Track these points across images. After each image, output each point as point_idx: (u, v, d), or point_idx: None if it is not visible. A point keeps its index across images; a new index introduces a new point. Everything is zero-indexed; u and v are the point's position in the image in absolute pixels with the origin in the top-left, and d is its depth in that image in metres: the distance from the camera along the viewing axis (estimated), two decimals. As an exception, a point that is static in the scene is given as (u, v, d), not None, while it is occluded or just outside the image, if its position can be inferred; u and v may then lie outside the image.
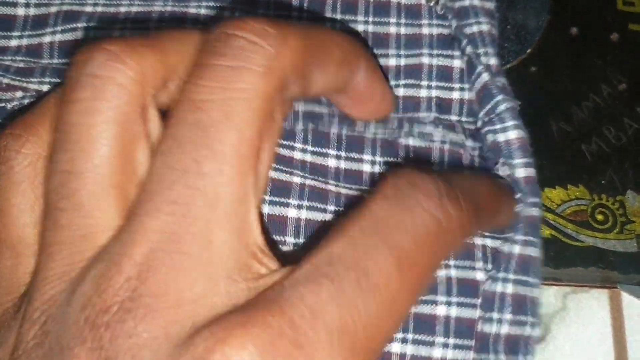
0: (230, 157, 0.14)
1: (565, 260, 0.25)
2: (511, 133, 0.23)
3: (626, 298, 0.25)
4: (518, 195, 0.22)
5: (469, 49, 0.24)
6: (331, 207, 0.23)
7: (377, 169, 0.24)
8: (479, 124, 0.24)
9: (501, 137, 0.23)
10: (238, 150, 0.15)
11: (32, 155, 0.17)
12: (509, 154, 0.23)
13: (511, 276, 0.22)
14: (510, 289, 0.22)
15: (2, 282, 0.16)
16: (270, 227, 0.23)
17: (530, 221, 0.22)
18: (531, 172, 0.23)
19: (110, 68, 0.15)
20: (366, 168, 0.24)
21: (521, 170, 0.23)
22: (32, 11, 0.25)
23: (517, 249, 0.22)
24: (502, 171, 0.23)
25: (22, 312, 0.15)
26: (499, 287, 0.22)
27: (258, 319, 0.13)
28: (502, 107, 0.23)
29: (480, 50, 0.25)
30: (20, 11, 0.25)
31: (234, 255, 0.14)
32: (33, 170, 0.17)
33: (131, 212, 0.15)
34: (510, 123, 0.23)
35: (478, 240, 0.23)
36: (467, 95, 0.25)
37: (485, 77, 0.24)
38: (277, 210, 0.23)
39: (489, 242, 0.23)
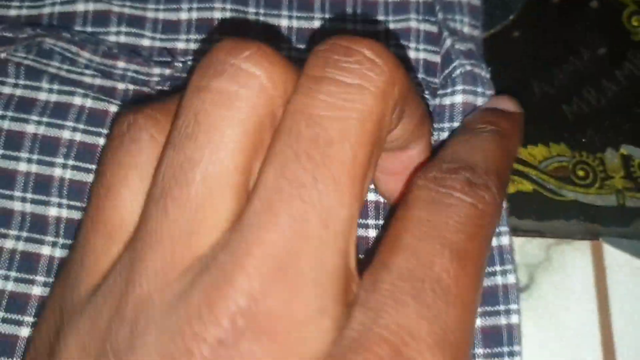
0: (345, 177, 0.14)
1: (548, 214, 0.26)
2: (457, 97, 0.24)
3: (608, 249, 0.26)
4: None
5: (439, 15, 0.26)
6: None
7: None
8: (437, 86, 0.25)
9: (447, 101, 0.24)
10: (352, 171, 0.14)
11: (160, 142, 0.16)
12: (451, 117, 0.24)
13: None
14: None
15: (86, 262, 0.15)
16: None
17: None
18: None
19: (255, 64, 0.15)
20: None
21: None
22: None
23: None
24: (442, 136, 0.24)
25: (111, 304, 0.14)
26: None
27: (369, 354, 0.13)
28: (457, 72, 0.24)
29: (456, 17, 0.26)
30: None
31: (341, 279, 0.14)
32: (156, 158, 0.15)
33: (244, 220, 0.14)
34: (459, 87, 0.24)
35: None
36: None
37: (448, 42, 0.25)
38: None
39: None
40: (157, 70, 0.24)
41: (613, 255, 0.26)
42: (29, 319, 0.22)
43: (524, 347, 0.22)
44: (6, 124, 0.23)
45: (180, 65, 0.25)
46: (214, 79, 0.15)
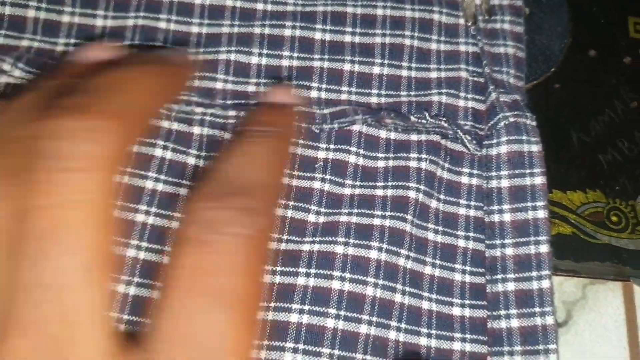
0: None
1: (584, 255, 0.28)
2: (502, 148, 0.26)
3: (638, 290, 0.28)
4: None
5: (487, 69, 0.28)
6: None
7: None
8: (484, 134, 0.27)
9: (493, 151, 0.26)
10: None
11: None
12: (498, 166, 0.26)
13: (511, 275, 0.25)
14: (511, 286, 0.25)
15: None
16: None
17: (515, 226, 0.25)
18: (517, 182, 0.26)
19: None
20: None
21: (505, 181, 0.26)
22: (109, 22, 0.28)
23: (509, 251, 0.25)
24: (491, 184, 0.26)
25: None
26: (499, 287, 0.25)
27: None
28: (501, 124, 0.27)
29: (503, 69, 0.28)
30: (99, 22, 0.28)
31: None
32: None
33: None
34: (503, 139, 0.26)
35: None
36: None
37: (493, 95, 0.27)
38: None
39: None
40: (232, 113, 0.26)
41: (642, 295, 0.28)
42: None
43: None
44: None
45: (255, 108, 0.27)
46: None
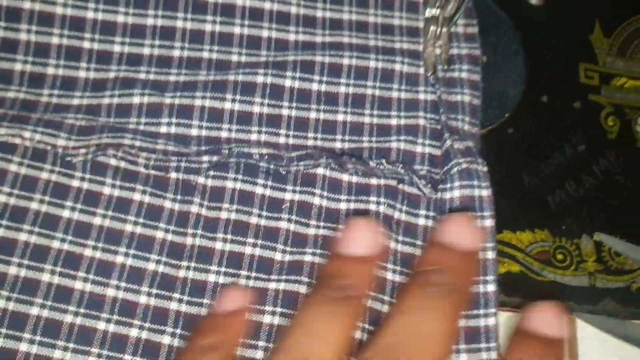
0: None
1: (531, 292, 0.30)
2: (455, 192, 0.28)
3: (580, 323, 0.30)
4: None
5: (443, 117, 0.30)
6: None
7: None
8: (439, 178, 0.29)
9: (447, 195, 0.29)
10: None
11: None
12: (450, 209, 0.28)
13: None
14: (461, 323, 0.27)
15: None
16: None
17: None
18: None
19: None
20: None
21: None
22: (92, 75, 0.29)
23: None
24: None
25: None
26: None
27: None
28: (454, 169, 0.29)
29: (459, 116, 0.30)
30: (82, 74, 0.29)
31: None
32: None
33: None
34: (456, 184, 0.29)
35: None
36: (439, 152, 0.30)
37: (448, 142, 0.29)
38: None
39: None
40: (206, 158, 0.28)
41: (584, 328, 0.30)
42: None
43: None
44: (75, 215, 0.27)
45: (227, 152, 0.28)
46: None
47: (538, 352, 0.26)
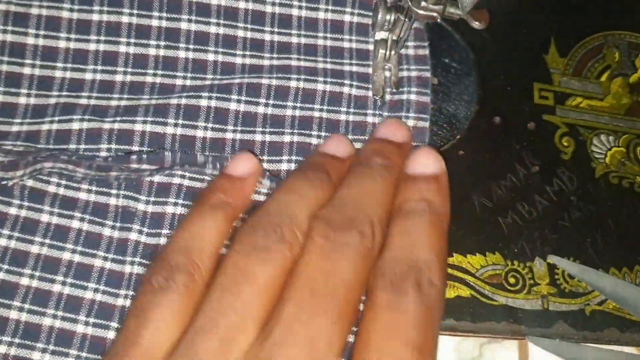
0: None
1: (481, 316, 0.29)
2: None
3: (532, 347, 0.30)
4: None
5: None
6: None
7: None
8: None
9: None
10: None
11: (191, 291, 0.23)
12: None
13: None
14: None
15: None
16: None
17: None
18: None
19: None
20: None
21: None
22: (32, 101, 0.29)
23: None
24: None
25: None
26: None
27: None
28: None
29: None
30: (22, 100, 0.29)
31: None
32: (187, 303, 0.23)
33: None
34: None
35: None
36: None
37: None
38: None
39: None
40: (146, 166, 0.28)
41: (536, 352, 0.30)
42: None
43: None
44: (12, 244, 0.26)
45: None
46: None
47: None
